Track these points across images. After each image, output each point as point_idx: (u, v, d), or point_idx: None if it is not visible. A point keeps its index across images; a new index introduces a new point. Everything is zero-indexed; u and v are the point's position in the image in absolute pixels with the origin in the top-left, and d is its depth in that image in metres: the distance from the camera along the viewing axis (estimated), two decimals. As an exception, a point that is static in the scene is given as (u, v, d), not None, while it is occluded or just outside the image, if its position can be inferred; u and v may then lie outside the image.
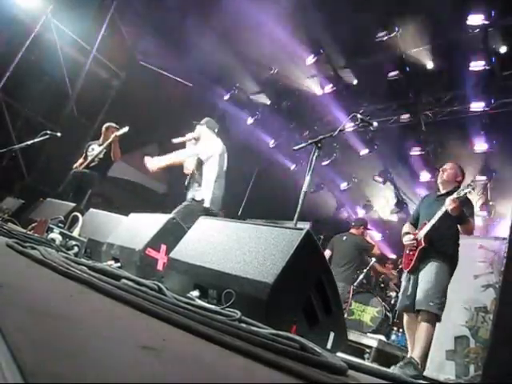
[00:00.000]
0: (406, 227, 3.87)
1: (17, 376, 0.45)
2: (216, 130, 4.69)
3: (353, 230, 6.39)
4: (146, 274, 2.54)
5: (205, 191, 4.27)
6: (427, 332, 3.22)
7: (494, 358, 1.31)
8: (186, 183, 4.57)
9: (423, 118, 7.62)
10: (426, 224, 3.55)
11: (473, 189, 3.33)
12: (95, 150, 5.65)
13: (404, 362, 3.24)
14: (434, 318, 3.26)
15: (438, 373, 4.93)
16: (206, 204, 4.20)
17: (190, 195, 4.40)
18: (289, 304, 1.83)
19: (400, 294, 3.73)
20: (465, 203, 3.39)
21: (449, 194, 3.51)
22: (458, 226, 3.47)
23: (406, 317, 3.63)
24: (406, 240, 3.66)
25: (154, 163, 4.33)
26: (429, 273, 3.38)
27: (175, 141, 4.58)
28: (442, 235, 3.46)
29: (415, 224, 3.80)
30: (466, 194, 3.30)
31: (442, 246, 3.45)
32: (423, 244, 3.47)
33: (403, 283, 3.71)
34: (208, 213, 4.10)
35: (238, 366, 0.93)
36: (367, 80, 7.87)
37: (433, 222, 3.45)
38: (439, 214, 3.41)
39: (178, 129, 8.77)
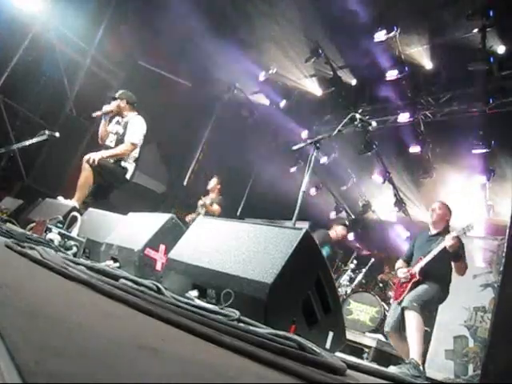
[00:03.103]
0: (400, 263, 4.04)
1: (15, 376, 0.45)
2: (135, 105, 4.96)
3: None
4: (145, 273, 2.54)
5: (128, 164, 4.71)
6: (416, 329, 3.33)
7: (493, 357, 1.31)
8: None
9: (422, 118, 7.63)
10: (421, 259, 3.68)
11: (471, 228, 3.45)
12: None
13: (404, 363, 3.29)
14: (418, 317, 3.33)
15: (437, 372, 4.94)
16: (128, 175, 4.71)
17: None
18: (288, 304, 1.83)
19: (386, 320, 3.91)
20: (460, 244, 3.51)
21: (440, 234, 3.72)
22: (452, 263, 3.59)
23: (390, 339, 3.84)
24: (400, 273, 3.80)
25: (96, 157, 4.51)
26: (419, 287, 3.55)
27: (94, 115, 4.82)
28: (437, 272, 3.58)
29: (408, 261, 3.95)
30: (465, 232, 3.42)
31: (436, 280, 3.57)
32: (418, 277, 3.60)
33: (390, 311, 3.89)
34: (125, 184, 4.78)
35: (237, 365, 0.93)
36: (366, 80, 7.88)
37: (429, 257, 3.58)
38: (437, 249, 3.54)
39: (178, 129, 8.79)
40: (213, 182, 6.78)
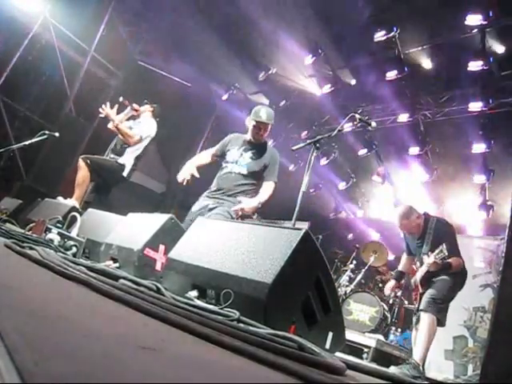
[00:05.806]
0: (404, 259, 4.11)
1: (14, 376, 0.45)
2: (157, 119, 5.24)
3: None
4: (145, 274, 2.54)
5: (127, 161, 4.82)
6: (427, 333, 3.32)
7: (493, 357, 1.31)
8: (113, 146, 5.01)
9: (421, 118, 7.63)
10: (419, 266, 3.71)
11: (443, 254, 3.33)
12: None
13: (404, 364, 3.31)
14: (433, 321, 3.33)
15: (437, 372, 4.94)
16: (125, 173, 4.79)
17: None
18: (287, 304, 1.83)
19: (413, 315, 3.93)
20: (442, 262, 3.40)
21: (423, 237, 3.70)
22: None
23: (414, 332, 3.85)
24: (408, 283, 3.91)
25: (110, 113, 4.74)
26: (434, 283, 3.53)
27: (131, 108, 5.13)
28: (440, 272, 3.53)
29: (411, 253, 4.01)
30: (443, 256, 3.34)
31: (445, 273, 3.53)
32: (421, 290, 3.65)
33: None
34: (122, 182, 4.89)
35: (237, 365, 0.93)
36: (366, 80, 7.88)
37: (425, 269, 3.55)
38: (425, 268, 3.53)
39: (177, 129, 8.78)
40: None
